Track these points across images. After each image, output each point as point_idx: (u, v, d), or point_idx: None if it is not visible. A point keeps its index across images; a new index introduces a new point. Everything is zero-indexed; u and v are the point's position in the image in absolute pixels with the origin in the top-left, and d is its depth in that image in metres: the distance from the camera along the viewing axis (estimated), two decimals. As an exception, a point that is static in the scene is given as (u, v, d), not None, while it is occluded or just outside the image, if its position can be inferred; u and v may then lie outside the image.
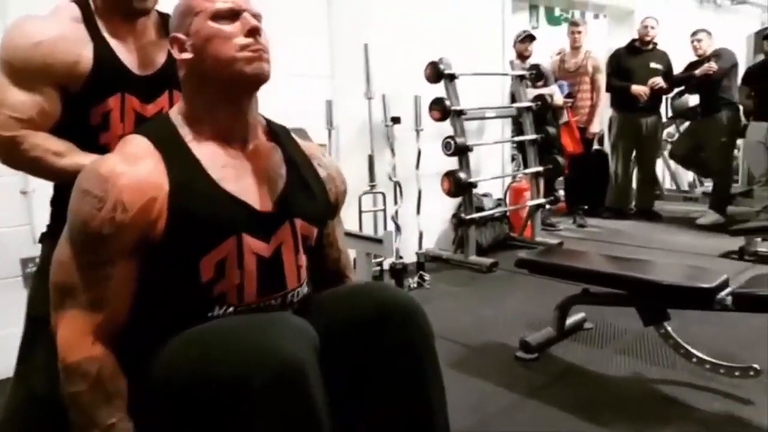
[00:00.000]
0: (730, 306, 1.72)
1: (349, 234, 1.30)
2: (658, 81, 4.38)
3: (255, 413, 0.80)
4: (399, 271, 3.09)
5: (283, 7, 2.78)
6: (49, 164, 1.15)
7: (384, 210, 3.31)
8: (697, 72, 4.29)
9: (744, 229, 3.48)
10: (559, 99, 4.26)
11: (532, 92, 4.01)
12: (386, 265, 3.13)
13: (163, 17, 1.26)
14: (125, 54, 1.21)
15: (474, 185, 3.52)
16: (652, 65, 4.46)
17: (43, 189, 1.32)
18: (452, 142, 3.37)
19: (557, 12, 6.67)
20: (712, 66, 4.21)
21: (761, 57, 4.47)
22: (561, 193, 4.78)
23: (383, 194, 3.28)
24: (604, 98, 4.61)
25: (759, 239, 3.41)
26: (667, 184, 5.73)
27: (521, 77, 3.98)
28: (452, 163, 3.45)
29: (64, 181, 1.10)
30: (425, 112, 3.38)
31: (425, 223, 3.42)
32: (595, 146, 4.80)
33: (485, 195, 3.90)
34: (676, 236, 4.12)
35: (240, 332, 0.86)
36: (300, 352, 0.83)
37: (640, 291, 1.89)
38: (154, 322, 0.96)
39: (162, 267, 0.94)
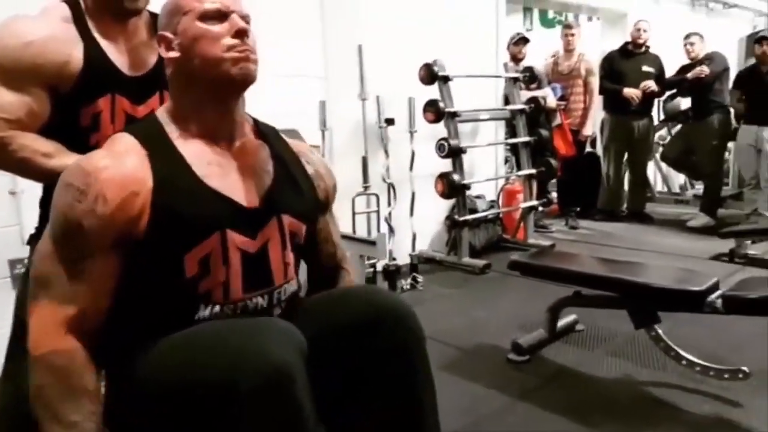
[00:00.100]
0: (720, 309, 1.73)
1: (342, 236, 1.31)
2: (650, 85, 4.41)
3: (242, 417, 0.79)
4: (392, 273, 3.08)
5: (277, 7, 2.77)
6: (37, 165, 1.14)
7: (377, 211, 3.31)
8: (689, 75, 4.31)
9: (734, 232, 3.50)
10: (552, 101, 4.29)
11: (525, 95, 4.02)
12: (379, 267, 3.13)
13: (155, 17, 1.25)
14: (116, 54, 1.20)
15: (467, 187, 3.52)
16: (645, 68, 4.48)
17: (32, 190, 1.30)
18: (446, 144, 3.37)
19: (551, 14, 6.71)
20: (704, 69, 4.24)
21: (752, 61, 4.51)
22: (554, 195, 4.81)
23: (377, 196, 3.28)
24: (597, 101, 4.63)
25: (749, 242, 3.44)
26: (659, 186, 5.76)
27: (515, 79, 3.99)
28: (446, 164, 3.45)
29: (52, 182, 1.09)
30: (419, 114, 3.38)
31: (418, 225, 3.42)
32: (588, 149, 4.82)
33: (478, 197, 3.91)
34: (667, 238, 4.14)
35: (227, 336, 0.86)
36: (287, 356, 0.83)
37: (631, 294, 1.90)
38: (141, 321, 0.96)
39: (146, 263, 0.93)
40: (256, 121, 1.11)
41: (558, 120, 4.43)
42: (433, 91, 3.41)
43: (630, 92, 4.41)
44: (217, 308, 0.96)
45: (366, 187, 3.22)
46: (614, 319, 2.19)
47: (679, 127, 5.05)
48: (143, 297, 0.96)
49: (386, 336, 0.98)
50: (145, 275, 0.94)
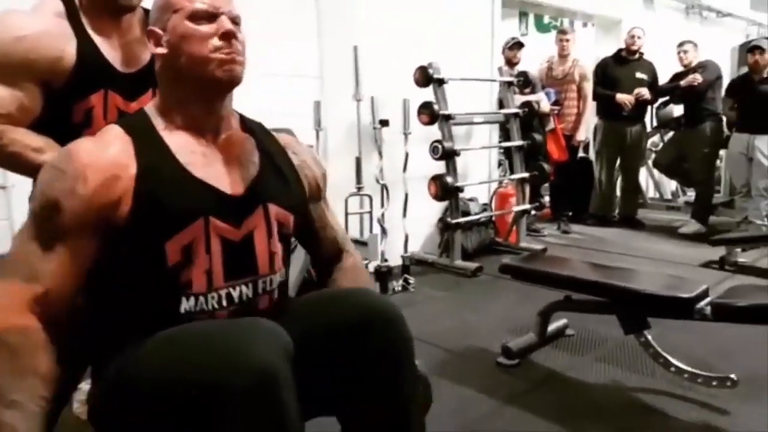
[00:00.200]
0: (709, 316, 1.74)
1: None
2: (644, 92, 4.43)
3: (226, 417, 0.79)
4: (384, 274, 3.08)
5: (272, 7, 2.76)
6: (28, 160, 1.14)
7: (370, 212, 3.30)
8: (683, 83, 4.35)
9: (725, 239, 3.52)
10: (545, 106, 4.30)
11: (519, 99, 4.03)
12: (371, 268, 3.12)
13: (149, 14, 1.24)
14: (109, 51, 1.20)
15: (460, 189, 3.52)
16: (638, 75, 4.51)
17: (23, 185, 1.29)
18: (440, 146, 3.38)
19: (546, 19, 6.74)
20: (697, 77, 4.27)
21: (745, 69, 4.54)
22: (546, 199, 4.83)
23: (370, 197, 3.28)
24: (591, 106, 4.65)
25: (739, 249, 3.47)
26: (651, 192, 5.80)
27: (509, 84, 4.00)
28: (439, 167, 3.46)
29: (43, 178, 1.09)
30: (414, 116, 3.38)
31: (411, 227, 3.42)
32: (581, 154, 4.85)
33: (471, 200, 3.91)
34: (658, 245, 4.16)
35: (213, 337, 0.86)
36: (273, 357, 0.82)
37: (621, 299, 1.91)
38: (125, 313, 0.96)
39: (127, 251, 0.94)
40: (242, 117, 1.11)
41: (551, 125, 4.45)
42: (428, 94, 3.42)
43: (623, 98, 4.44)
44: (201, 299, 0.96)
45: (359, 188, 3.21)
46: (604, 325, 2.20)
47: (671, 134, 5.09)
48: (126, 287, 0.96)
49: (376, 338, 0.98)
50: (127, 264, 0.94)
